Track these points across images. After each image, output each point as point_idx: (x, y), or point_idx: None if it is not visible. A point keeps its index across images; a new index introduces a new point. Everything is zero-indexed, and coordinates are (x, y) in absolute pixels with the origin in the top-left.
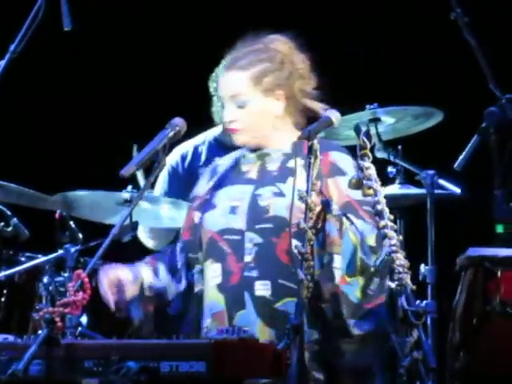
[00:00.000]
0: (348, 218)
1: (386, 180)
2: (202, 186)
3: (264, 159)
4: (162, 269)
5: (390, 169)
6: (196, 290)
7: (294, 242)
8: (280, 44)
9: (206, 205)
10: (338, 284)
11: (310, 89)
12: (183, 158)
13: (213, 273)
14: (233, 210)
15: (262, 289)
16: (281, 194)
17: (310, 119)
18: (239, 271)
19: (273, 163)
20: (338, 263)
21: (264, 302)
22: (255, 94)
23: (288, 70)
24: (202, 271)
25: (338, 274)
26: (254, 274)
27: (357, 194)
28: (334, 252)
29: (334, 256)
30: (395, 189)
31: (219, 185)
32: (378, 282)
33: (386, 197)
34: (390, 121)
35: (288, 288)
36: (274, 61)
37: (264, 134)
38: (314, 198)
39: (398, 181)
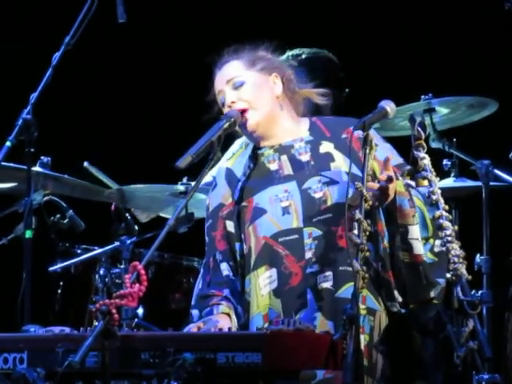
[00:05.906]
0: (409, 185)
1: (441, 173)
2: (222, 194)
3: (289, 151)
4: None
5: (445, 161)
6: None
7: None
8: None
9: (252, 212)
10: (418, 253)
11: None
12: None
13: (267, 279)
14: (285, 210)
15: (325, 281)
16: (333, 182)
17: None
18: (300, 270)
19: (302, 154)
20: (415, 233)
21: (326, 293)
22: (250, 73)
23: (278, 62)
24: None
25: (416, 244)
26: (316, 268)
27: (394, 160)
28: (408, 224)
29: (409, 227)
30: (450, 182)
31: (253, 189)
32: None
33: (440, 188)
34: (445, 111)
35: (350, 273)
36: (265, 54)
37: (271, 113)
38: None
39: (453, 173)
